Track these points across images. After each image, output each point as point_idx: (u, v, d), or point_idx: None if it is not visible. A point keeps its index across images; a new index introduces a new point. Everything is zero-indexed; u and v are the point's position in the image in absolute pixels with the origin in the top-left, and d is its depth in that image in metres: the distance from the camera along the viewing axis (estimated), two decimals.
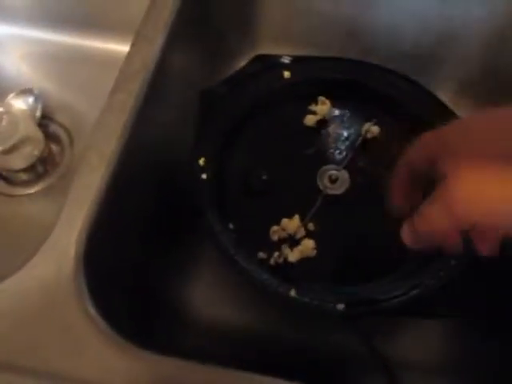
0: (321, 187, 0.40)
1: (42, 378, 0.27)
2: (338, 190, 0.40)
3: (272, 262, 0.36)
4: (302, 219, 0.38)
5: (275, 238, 0.38)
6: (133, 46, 0.34)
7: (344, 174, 0.40)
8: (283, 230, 0.38)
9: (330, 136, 0.43)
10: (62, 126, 0.48)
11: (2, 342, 0.28)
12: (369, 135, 0.43)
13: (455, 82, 0.49)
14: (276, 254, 0.37)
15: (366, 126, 0.43)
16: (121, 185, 0.31)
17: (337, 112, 0.44)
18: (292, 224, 0.38)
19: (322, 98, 0.43)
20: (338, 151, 0.43)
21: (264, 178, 0.40)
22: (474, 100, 0.48)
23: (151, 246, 0.36)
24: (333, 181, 0.40)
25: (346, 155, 0.42)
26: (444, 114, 0.41)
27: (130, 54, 0.34)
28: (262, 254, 0.37)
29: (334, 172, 0.40)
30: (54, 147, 0.47)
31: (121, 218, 0.31)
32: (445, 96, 0.48)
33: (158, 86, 0.35)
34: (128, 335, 0.28)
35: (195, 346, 0.36)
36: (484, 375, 0.35)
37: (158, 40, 0.35)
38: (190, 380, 0.26)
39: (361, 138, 0.43)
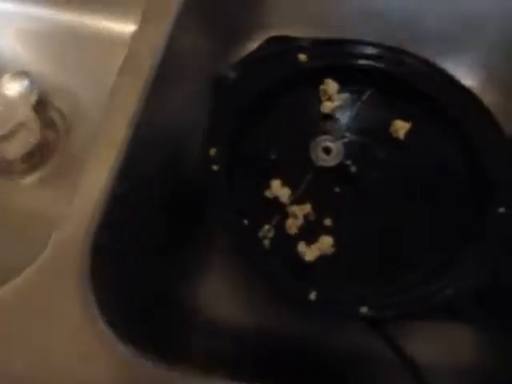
0: (314, 159, 0.38)
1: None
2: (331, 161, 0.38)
3: (261, 234, 0.34)
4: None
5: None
6: (139, 27, 0.31)
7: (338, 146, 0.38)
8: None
9: (352, 126, 0.41)
10: (59, 111, 0.45)
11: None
12: (395, 131, 0.40)
13: (480, 68, 0.46)
14: (266, 227, 0.34)
15: (395, 120, 0.40)
16: (131, 178, 0.28)
17: (357, 100, 0.42)
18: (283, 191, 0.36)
19: (331, 83, 0.40)
20: (359, 143, 0.40)
21: (273, 157, 0.38)
22: (499, 86, 0.45)
23: (161, 243, 0.33)
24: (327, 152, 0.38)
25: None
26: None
27: (136, 35, 0.31)
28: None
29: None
30: (50, 134, 0.44)
31: (130, 214, 0.29)
32: (471, 83, 0.46)
33: (167, 70, 0.32)
34: (135, 340, 0.26)
35: (209, 348, 0.34)
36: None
37: (167, 21, 0.32)
38: None
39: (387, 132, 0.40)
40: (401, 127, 0.40)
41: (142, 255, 0.30)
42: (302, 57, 0.41)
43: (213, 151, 0.36)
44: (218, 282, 0.37)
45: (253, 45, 0.41)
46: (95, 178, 0.26)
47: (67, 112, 0.46)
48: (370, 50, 0.41)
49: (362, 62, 0.41)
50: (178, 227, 0.35)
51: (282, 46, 0.41)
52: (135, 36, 0.31)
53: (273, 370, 0.33)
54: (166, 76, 0.32)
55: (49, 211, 0.40)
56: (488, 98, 0.41)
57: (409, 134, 0.40)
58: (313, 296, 0.31)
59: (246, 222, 0.35)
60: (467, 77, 0.45)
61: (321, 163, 0.38)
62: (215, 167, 0.35)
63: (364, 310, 0.31)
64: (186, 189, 0.36)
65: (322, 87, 0.41)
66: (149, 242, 0.31)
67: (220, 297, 0.37)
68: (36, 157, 0.44)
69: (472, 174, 0.38)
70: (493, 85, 0.46)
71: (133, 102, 0.29)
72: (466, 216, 0.36)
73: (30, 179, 0.44)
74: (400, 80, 0.41)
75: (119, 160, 0.27)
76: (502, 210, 0.35)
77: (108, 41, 0.43)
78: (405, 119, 0.40)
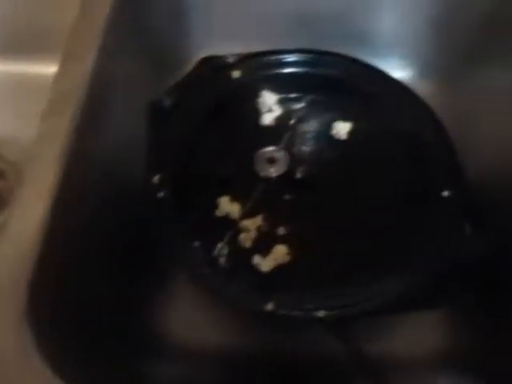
0: (259, 171, 0.38)
1: None
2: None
3: (215, 253, 0.34)
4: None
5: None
6: (61, 64, 0.31)
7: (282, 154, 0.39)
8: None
9: (295, 133, 0.41)
10: (6, 161, 0.45)
11: None
12: (337, 132, 0.41)
13: (412, 64, 0.47)
14: (219, 245, 0.34)
15: (335, 122, 0.41)
16: (66, 216, 0.28)
17: (296, 107, 0.42)
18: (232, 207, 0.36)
19: (267, 95, 0.41)
20: (303, 148, 0.41)
21: (218, 175, 0.38)
22: (433, 80, 0.47)
23: (110, 275, 0.33)
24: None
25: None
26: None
27: (58, 74, 0.31)
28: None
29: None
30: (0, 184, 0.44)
31: (69, 256, 0.28)
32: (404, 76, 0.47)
33: (96, 104, 0.32)
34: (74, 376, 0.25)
35: (174, 374, 0.33)
36: (477, 367, 0.34)
37: (89, 56, 0.32)
38: None
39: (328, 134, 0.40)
40: (342, 128, 0.41)
41: (88, 289, 0.30)
42: (236, 73, 0.41)
43: (156, 178, 0.36)
44: (176, 307, 0.37)
45: (186, 67, 0.42)
46: (27, 221, 0.26)
47: (15, 160, 0.45)
48: (300, 57, 0.42)
49: (294, 69, 0.42)
50: (128, 259, 0.35)
51: (215, 66, 0.41)
52: (57, 76, 0.31)
53: None
54: (95, 111, 0.32)
55: None
56: (422, 90, 0.42)
57: (350, 133, 0.41)
58: (270, 306, 0.31)
59: (197, 243, 0.35)
60: (400, 71, 0.46)
61: (267, 174, 0.39)
62: (160, 194, 0.36)
63: (321, 313, 0.31)
64: (132, 220, 0.36)
65: (259, 99, 0.42)
66: (94, 275, 0.31)
67: (180, 321, 0.36)
68: None
69: (414, 164, 0.38)
70: (426, 77, 0.47)
71: (60, 145, 0.28)
72: (413, 207, 0.37)
73: None
74: (334, 82, 0.42)
75: (49, 206, 0.27)
76: (445, 193, 0.36)
77: (42, 84, 0.43)
78: (345, 120, 0.41)
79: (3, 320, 0.24)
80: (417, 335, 0.36)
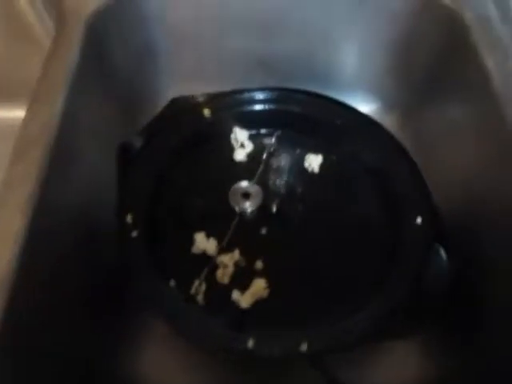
0: (234, 205, 0.38)
1: None
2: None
3: (193, 291, 0.34)
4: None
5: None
6: (29, 109, 0.31)
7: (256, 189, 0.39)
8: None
9: (268, 168, 0.42)
10: None
11: None
12: (310, 165, 0.42)
13: (376, 98, 0.49)
14: (197, 282, 0.34)
15: (307, 155, 0.42)
16: (31, 269, 0.27)
17: (268, 142, 0.43)
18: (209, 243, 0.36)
19: (239, 131, 0.42)
20: (276, 182, 0.41)
21: (193, 212, 0.38)
22: (396, 112, 0.49)
23: (81, 322, 0.32)
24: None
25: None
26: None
27: (26, 118, 0.31)
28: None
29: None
30: None
31: (37, 303, 0.27)
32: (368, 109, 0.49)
33: (64, 148, 0.32)
34: None
35: None
36: None
37: (56, 99, 0.32)
38: None
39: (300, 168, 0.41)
40: (314, 161, 0.42)
41: (58, 335, 0.28)
42: (207, 111, 0.42)
43: (129, 218, 0.35)
44: (153, 350, 0.35)
45: (154, 108, 0.42)
46: None
47: None
48: (268, 95, 0.43)
49: (263, 106, 0.43)
50: (100, 302, 0.34)
51: (185, 105, 0.42)
52: (25, 120, 0.31)
53: None
54: (64, 154, 0.32)
55: None
56: (386, 122, 0.44)
57: (322, 166, 0.42)
58: (250, 344, 0.31)
59: (172, 282, 0.34)
60: (364, 105, 0.48)
61: (242, 208, 0.39)
62: (134, 234, 0.35)
63: (304, 347, 0.30)
64: (105, 262, 0.35)
65: (231, 136, 0.43)
66: (64, 321, 0.29)
67: (157, 364, 0.35)
68: None
69: (385, 193, 0.39)
70: (389, 110, 0.49)
71: (27, 190, 0.28)
72: (387, 235, 0.37)
73: None
74: (303, 117, 0.43)
75: (16, 254, 0.26)
76: (418, 220, 0.37)
77: (4, 130, 0.42)
78: (316, 153, 0.42)
79: None
80: (394, 364, 0.36)
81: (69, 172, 0.32)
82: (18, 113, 0.31)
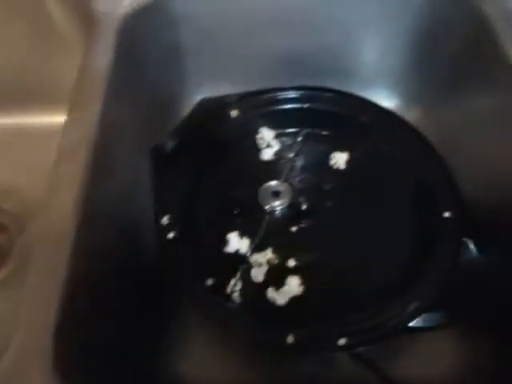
0: (265, 204, 0.39)
1: None
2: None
3: (229, 289, 0.34)
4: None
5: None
6: (69, 115, 0.32)
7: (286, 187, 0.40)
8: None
9: (294, 166, 0.42)
10: (7, 213, 0.44)
11: None
12: (336, 163, 0.42)
13: (398, 93, 0.50)
14: (232, 281, 0.35)
15: (333, 153, 0.42)
16: (86, 268, 0.28)
17: (294, 141, 0.44)
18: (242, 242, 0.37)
19: (266, 131, 0.43)
20: (304, 180, 0.42)
21: (225, 212, 0.39)
22: (419, 107, 0.49)
23: (129, 326, 0.33)
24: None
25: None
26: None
27: (67, 123, 0.32)
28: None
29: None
30: (1, 238, 0.43)
31: (91, 303, 0.28)
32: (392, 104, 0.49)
33: (105, 151, 0.33)
34: None
35: None
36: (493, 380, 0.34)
37: (95, 105, 0.33)
38: None
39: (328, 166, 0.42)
40: (339, 158, 0.43)
41: (110, 335, 0.29)
42: (234, 113, 0.43)
43: (165, 220, 0.36)
44: (196, 349, 0.36)
45: (184, 110, 0.43)
46: (49, 274, 0.26)
47: (17, 213, 0.45)
48: (294, 94, 0.44)
49: (289, 106, 0.44)
50: (145, 305, 0.35)
51: (213, 106, 0.43)
52: (66, 126, 0.32)
53: None
54: (104, 157, 0.33)
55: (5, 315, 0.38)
56: (410, 117, 0.44)
57: (348, 162, 0.42)
58: (290, 339, 0.31)
59: (210, 281, 0.35)
60: (387, 100, 0.48)
61: (272, 207, 0.40)
62: (170, 235, 0.36)
63: (342, 341, 0.31)
64: (147, 263, 0.36)
65: (258, 136, 0.43)
66: (116, 324, 0.30)
67: (201, 364, 0.36)
68: None
69: (411, 188, 0.40)
70: (412, 104, 0.49)
71: (74, 191, 0.29)
72: (417, 230, 0.38)
73: None
74: (328, 115, 0.44)
75: (69, 254, 0.27)
76: (446, 214, 0.37)
77: (43, 135, 0.43)
78: (341, 150, 0.43)
79: (31, 373, 0.24)
80: (431, 352, 0.36)
81: (109, 175, 0.33)
82: (55, 118, 0.31)
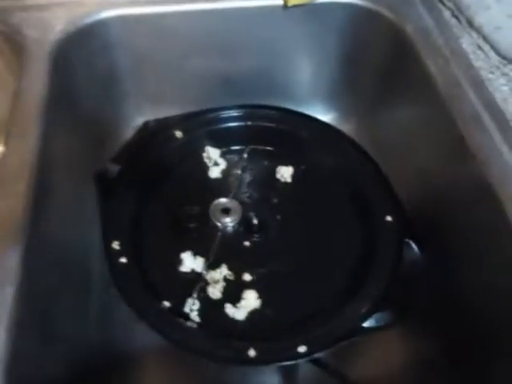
0: (216, 222, 0.39)
1: None
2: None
3: (186, 309, 0.34)
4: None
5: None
6: (6, 144, 0.31)
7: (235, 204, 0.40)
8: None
9: (242, 182, 0.43)
10: None
11: None
12: (282, 176, 0.43)
13: (334, 107, 0.52)
14: (189, 300, 0.35)
15: (278, 167, 0.44)
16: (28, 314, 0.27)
17: (240, 158, 0.45)
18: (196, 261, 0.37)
19: (211, 150, 0.44)
20: (252, 195, 0.43)
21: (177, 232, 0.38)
22: (353, 119, 0.52)
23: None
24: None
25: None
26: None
27: (4, 154, 0.30)
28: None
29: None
30: None
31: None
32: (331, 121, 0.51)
33: (45, 182, 0.32)
34: None
35: None
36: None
37: (32, 133, 0.32)
38: None
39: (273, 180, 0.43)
40: (285, 172, 0.44)
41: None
42: (179, 133, 0.43)
43: (115, 244, 0.35)
44: (155, 369, 0.35)
45: (125, 133, 0.43)
46: None
47: None
48: (236, 112, 0.45)
49: (232, 124, 0.45)
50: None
51: (158, 128, 0.43)
52: (3, 156, 0.30)
53: None
54: (44, 187, 0.32)
55: None
56: (346, 129, 0.47)
57: (293, 176, 0.44)
58: (252, 353, 0.32)
59: (165, 303, 0.34)
60: (324, 115, 0.51)
61: (224, 224, 0.40)
62: (122, 259, 0.35)
63: (302, 348, 0.32)
64: (98, 293, 0.34)
65: (204, 155, 0.44)
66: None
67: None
68: None
69: (353, 196, 0.42)
70: (347, 117, 0.52)
71: (15, 225, 0.27)
72: (359, 237, 0.40)
73: None
74: (270, 131, 0.45)
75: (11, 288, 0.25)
76: (388, 218, 0.40)
77: None
78: (286, 164, 0.44)
79: None
80: (379, 352, 0.38)
81: (50, 204, 0.32)
82: None
